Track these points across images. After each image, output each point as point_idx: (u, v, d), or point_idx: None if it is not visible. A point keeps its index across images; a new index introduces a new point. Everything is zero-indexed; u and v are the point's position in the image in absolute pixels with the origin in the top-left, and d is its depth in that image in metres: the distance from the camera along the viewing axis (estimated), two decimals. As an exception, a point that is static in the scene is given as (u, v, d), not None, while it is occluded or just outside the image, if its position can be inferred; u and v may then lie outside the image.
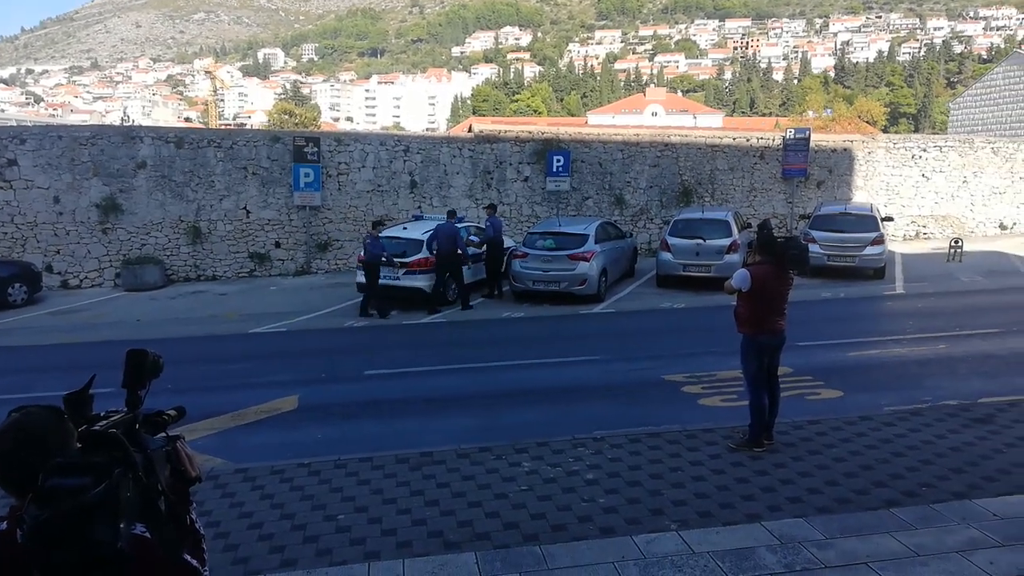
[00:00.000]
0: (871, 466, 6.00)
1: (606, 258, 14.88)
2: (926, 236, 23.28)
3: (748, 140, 22.64)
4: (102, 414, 1.90)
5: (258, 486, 5.98)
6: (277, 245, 19.29)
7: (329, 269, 19.48)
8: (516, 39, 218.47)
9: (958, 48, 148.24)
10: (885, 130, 67.01)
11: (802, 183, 22.28)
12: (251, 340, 12.57)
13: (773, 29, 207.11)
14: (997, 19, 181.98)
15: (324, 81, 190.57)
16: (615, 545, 4.82)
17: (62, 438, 1.77)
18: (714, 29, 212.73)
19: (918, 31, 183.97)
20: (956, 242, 18.65)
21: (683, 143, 22.03)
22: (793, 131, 22.79)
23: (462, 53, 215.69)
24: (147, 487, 1.75)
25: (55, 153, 17.73)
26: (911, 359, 9.87)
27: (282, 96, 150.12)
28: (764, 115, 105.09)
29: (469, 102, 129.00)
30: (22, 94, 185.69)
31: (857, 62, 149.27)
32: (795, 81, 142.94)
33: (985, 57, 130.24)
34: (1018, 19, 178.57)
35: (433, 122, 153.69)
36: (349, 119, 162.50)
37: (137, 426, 1.93)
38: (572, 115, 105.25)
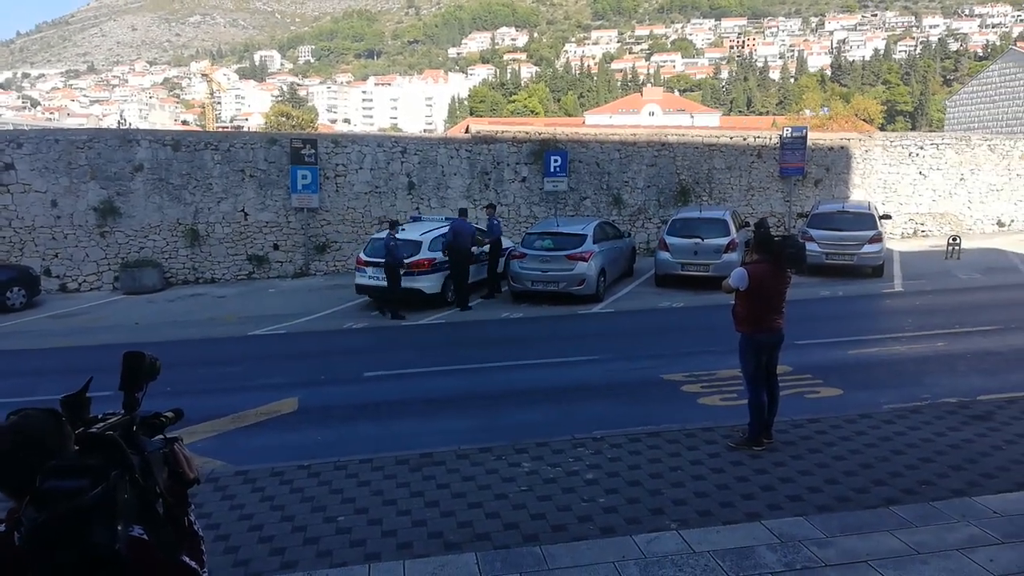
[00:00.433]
0: (871, 464, 6.00)
1: (604, 258, 14.88)
2: (924, 234, 23.30)
3: (745, 139, 22.66)
4: (100, 416, 1.89)
5: (258, 488, 5.97)
6: (275, 247, 19.28)
7: (328, 271, 19.47)
8: (512, 40, 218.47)
9: (954, 46, 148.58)
10: (882, 128, 67.12)
11: (800, 181, 22.30)
12: (250, 342, 12.56)
13: (769, 28, 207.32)
14: (992, 16, 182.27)
15: (321, 83, 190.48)
16: (615, 545, 4.81)
17: (60, 440, 1.77)
18: (710, 28, 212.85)
19: (914, 29, 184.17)
20: (954, 239, 18.67)
21: (680, 142, 22.04)
22: (790, 129, 22.80)
23: (459, 54, 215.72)
24: (145, 489, 1.75)
25: (52, 157, 17.71)
26: (910, 357, 9.88)
27: (279, 98, 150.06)
28: (761, 114, 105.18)
29: (466, 103, 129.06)
30: (18, 98, 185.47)
31: (853, 60, 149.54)
32: (791, 80, 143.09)
33: (981, 54, 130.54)
34: (1013, 16, 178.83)
35: (430, 123, 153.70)
36: (346, 121, 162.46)
37: (135, 428, 1.92)
38: (569, 115, 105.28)
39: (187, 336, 12.92)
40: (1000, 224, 24.07)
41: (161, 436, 2.01)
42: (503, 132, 21.78)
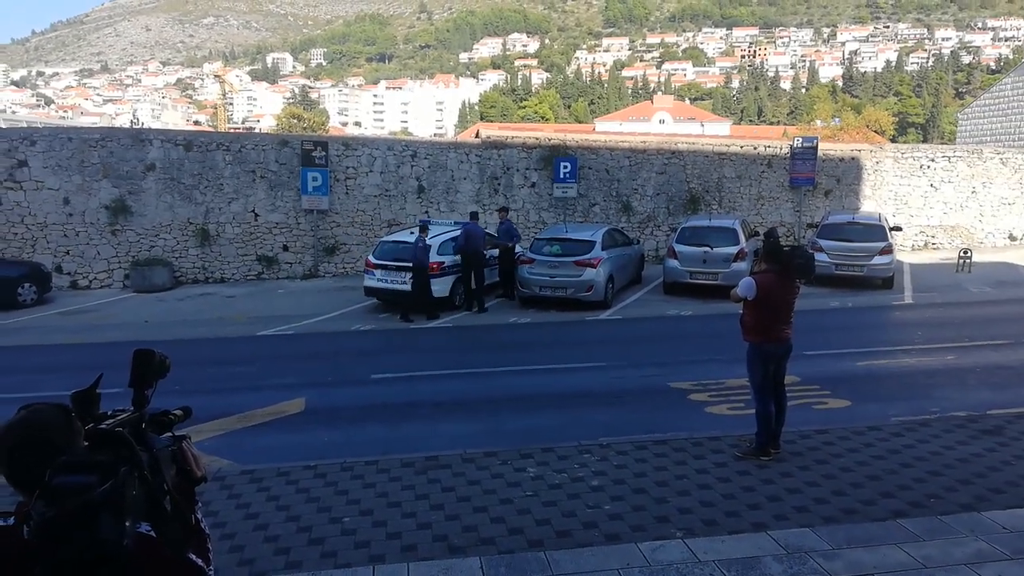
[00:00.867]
0: (878, 477, 5.96)
1: (613, 264, 14.86)
2: (935, 246, 23.19)
3: (755, 148, 22.61)
4: (109, 412, 1.90)
5: (264, 488, 5.98)
6: (285, 248, 19.34)
7: (336, 273, 19.51)
8: (524, 46, 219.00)
9: (966, 58, 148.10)
10: (893, 140, 66.87)
11: (810, 192, 22.23)
12: (258, 342, 12.59)
13: (781, 38, 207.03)
14: (1006, 30, 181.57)
15: (332, 86, 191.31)
16: (620, 552, 4.80)
17: (69, 436, 1.78)
18: (721, 37, 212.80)
19: (926, 41, 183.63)
20: (965, 252, 18.57)
21: (690, 151, 22.01)
22: (801, 140, 22.74)
23: (470, 59, 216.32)
24: (153, 486, 1.75)
25: (65, 155, 17.83)
26: (919, 369, 9.82)
27: (291, 100, 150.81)
28: (772, 124, 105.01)
29: (477, 108, 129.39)
30: (33, 96, 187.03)
31: (865, 72, 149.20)
32: (803, 90, 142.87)
33: (994, 68, 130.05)
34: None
35: (441, 127, 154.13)
36: (357, 124, 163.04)
37: (143, 425, 1.93)
38: (580, 122, 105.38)
39: (196, 335, 12.97)
40: (1012, 238, 23.93)
41: (170, 434, 2.02)
42: (513, 137, 21.81)
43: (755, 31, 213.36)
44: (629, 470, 6.18)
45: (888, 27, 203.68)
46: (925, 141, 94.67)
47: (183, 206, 18.62)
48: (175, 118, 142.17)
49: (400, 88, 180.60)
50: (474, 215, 15.64)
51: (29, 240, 17.73)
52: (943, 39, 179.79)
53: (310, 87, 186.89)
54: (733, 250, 15.13)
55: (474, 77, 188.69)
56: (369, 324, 13.71)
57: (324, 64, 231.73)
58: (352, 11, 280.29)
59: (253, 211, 19.08)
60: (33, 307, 15.77)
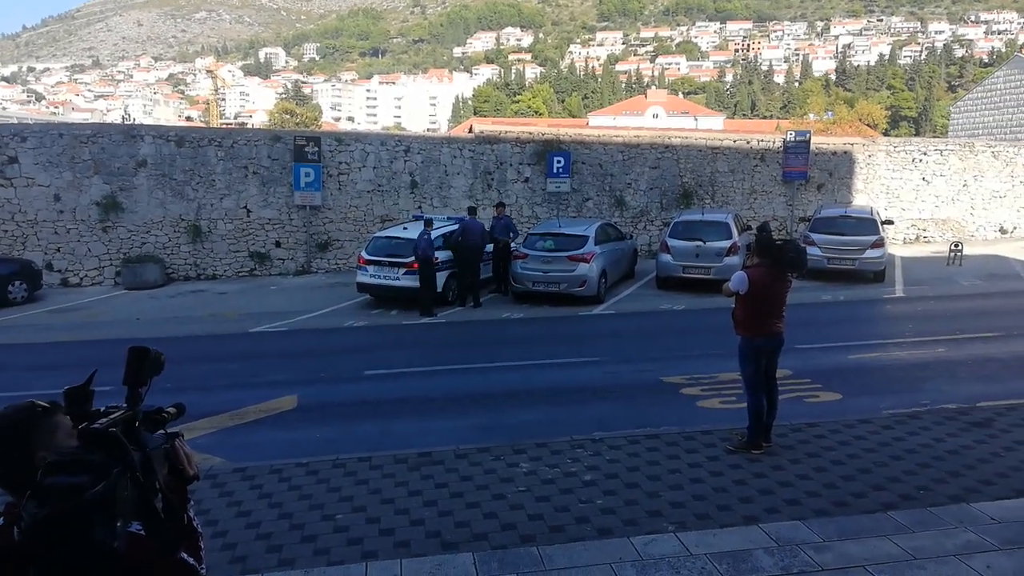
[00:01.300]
0: (869, 469, 6.01)
1: (606, 259, 14.88)
2: (926, 239, 23.28)
3: (749, 142, 22.64)
4: (102, 410, 1.90)
5: (256, 485, 5.98)
6: (277, 244, 19.30)
7: (329, 269, 19.48)
8: (517, 40, 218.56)
9: (959, 52, 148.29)
10: (886, 133, 67.04)
11: (802, 186, 22.29)
12: (251, 339, 12.57)
13: (774, 31, 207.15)
14: (998, 23, 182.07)
15: (325, 81, 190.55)
16: (612, 546, 4.82)
17: (46, 432, 1.78)
18: (715, 31, 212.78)
19: (919, 34, 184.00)
20: (956, 246, 18.65)
21: (684, 145, 22.03)
22: (794, 133, 22.79)
23: (463, 54, 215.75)
24: (144, 486, 1.75)
25: (56, 151, 17.74)
26: (910, 362, 9.88)
27: (283, 96, 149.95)
28: (765, 117, 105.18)
29: (470, 103, 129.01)
30: (23, 92, 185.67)
31: (858, 65, 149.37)
32: (796, 84, 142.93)
33: (986, 61, 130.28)
34: (1019, 23, 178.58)
35: (434, 122, 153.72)
36: (350, 119, 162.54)
37: (137, 423, 1.93)
38: (573, 116, 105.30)
39: (188, 332, 12.94)
40: (1003, 231, 24.05)
41: (163, 431, 2.02)
42: (506, 132, 21.79)
43: (749, 25, 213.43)
44: (622, 464, 6.20)
45: (881, 20, 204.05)
46: (917, 134, 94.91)
47: (175, 202, 18.55)
48: (167, 114, 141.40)
49: (393, 83, 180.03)
50: (472, 210, 15.68)
51: (19, 237, 17.64)
52: (936, 32, 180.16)
53: (303, 82, 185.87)
54: (726, 244, 15.16)
55: (467, 71, 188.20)
56: (362, 320, 13.70)
57: (317, 59, 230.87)
58: (345, 6, 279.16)
59: (245, 207, 19.02)
60: (23, 305, 15.70)
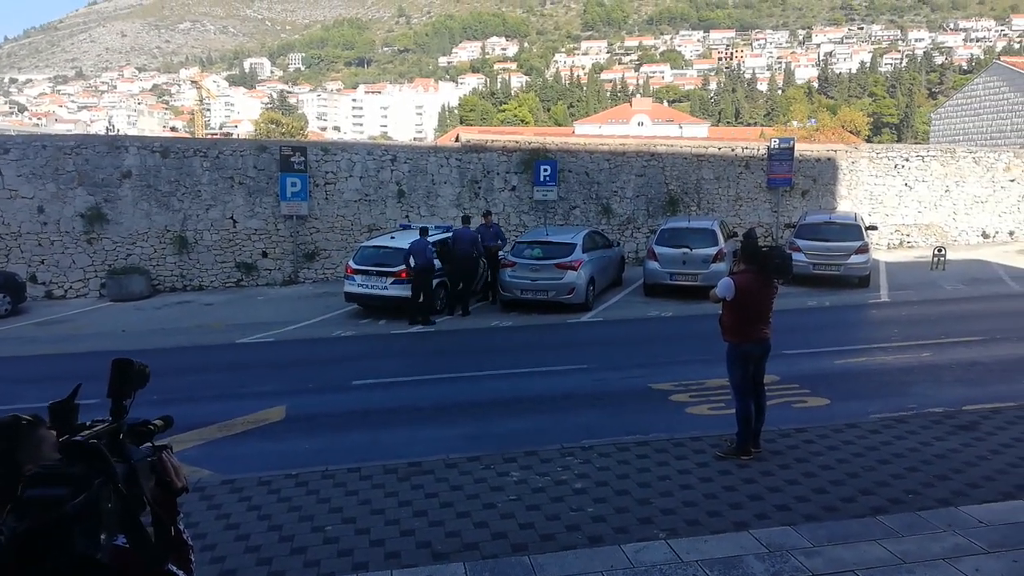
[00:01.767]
0: (858, 474, 6.03)
1: (594, 267, 14.92)
2: (910, 245, 23.50)
3: (733, 150, 22.81)
4: (87, 424, 1.88)
5: (245, 497, 5.93)
6: (264, 255, 19.21)
7: (317, 279, 19.41)
8: (503, 49, 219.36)
9: (939, 59, 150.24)
10: (868, 140, 67.68)
11: (787, 192, 22.45)
12: (238, 350, 12.49)
13: (757, 40, 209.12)
14: (976, 31, 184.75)
15: (311, 91, 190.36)
16: (604, 554, 4.82)
17: (30, 445, 1.76)
18: (699, 40, 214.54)
19: (899, 42, 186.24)
20: (939, 251, 18.84)
21: (669, 153, 22.16)
22: (778, 141, 22.97)
23: (449, 63, 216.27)
24: (130, 498, 1.73)
25: (39, 163, 17.59)
26: (896, 367, 9.95)
27: (269, 106, 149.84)
28: (749, 125, 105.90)
29: (456, 112, 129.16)
30: (5, 103, 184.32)
31: (840, 73, 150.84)
32: (779, 91, 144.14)
33: (965, 68, 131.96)
34: (997, 31, 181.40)
35: (420, 132, 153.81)
36: (336, 129, 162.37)
37: (122, 436, 1.91)
38: (559, 125, 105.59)
39: (174, 344, 12.84)
40: (985, 235, 24.32)
41: (149, 444, 2.00)
42: (493, 141, 21.83)
43: (732, 33, 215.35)
44: (612, 472, 6.20)
45: (862, 28, 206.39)
46: (899, 141, 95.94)
47: (160, 213, 18.44)
48: (152, 124, 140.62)
49: (379, 92, 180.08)
50: (466, 219, 15.71)
51: (2, 250, 17.46)
52: (916, 40, 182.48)
53: (288, 92, 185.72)
54: (712, 251, 15.25)
55: (453, 81, 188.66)
56: (350, 330, 13.65)
57: (302, 69, 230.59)
58: (330, 15, 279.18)
59: (231, 217, 18.93)
60: (7, 318, 15.53)
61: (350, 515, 5.55)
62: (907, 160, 23.77)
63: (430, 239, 14.12)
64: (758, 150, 22.76)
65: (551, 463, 6.43)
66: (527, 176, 20.71)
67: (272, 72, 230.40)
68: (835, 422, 7.36)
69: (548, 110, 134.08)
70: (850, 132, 51.98)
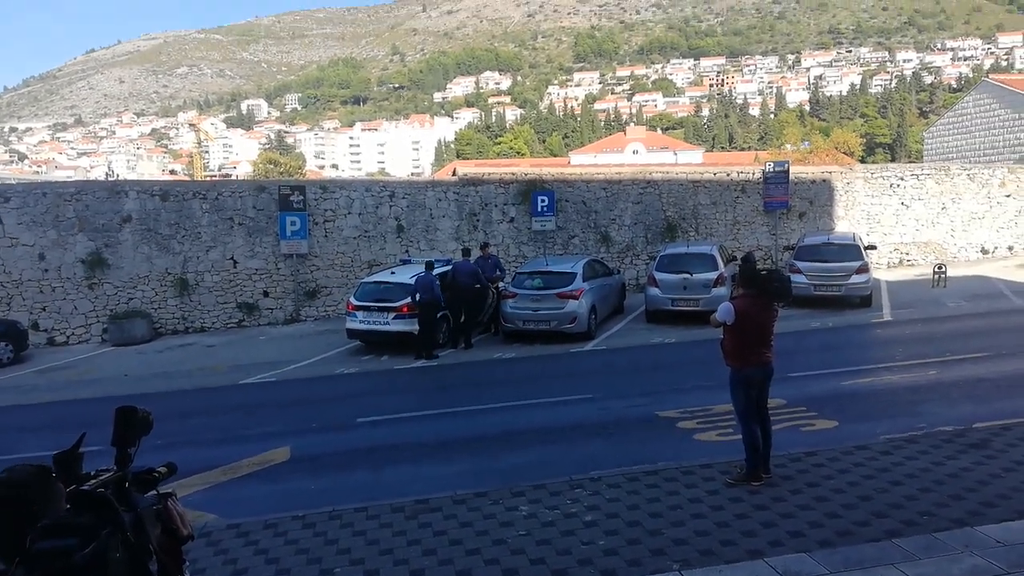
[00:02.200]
0: (870, 496, 5.96)
1: (595, 295, 14.92)
2: (909, 263, 23.53)
3: (729, 174, 22.94)
4: (92, 473, 1.87)
5: (252, 541, 5.86)
6: (265, 294, 19.22)
7: (318, 316, 19.40)
8: (496, 83, 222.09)
9: (928, 79, 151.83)
10: (862, 160, 68.17)
11: (784, 215, 22.54)
12: (241, 391, 12.43)
13: (747, 66, 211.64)
14: (964, 50, 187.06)
15: (308, 130, 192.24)
16: (617, 588, 4.73)
17: (48, 498, 1.74)
18: (689, 68, 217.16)
19: (888, 63, 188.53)
20: (940, 268, 18.85)
21: (665, 179, 22.29)
22: (772, 164, 23.12)
23: (444, 99, 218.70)
24: (136, 547, 1.71)
25: (40, 210, 17.70)
26: (903, 386, 9.88)
27: (266, 146, 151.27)
28: (743, 149, 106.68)
29: (452, 146, 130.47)
30: (5, 152, 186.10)
31: (831, 95, 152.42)
32: (771, 115, 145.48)
33: (955, 86, 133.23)
34: (984, 49, 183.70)
35: (418, 167, 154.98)
36: (334, 166, 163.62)
37: (127, 485, 1.89)
38: (554, 155, 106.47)
39: (177, 387, 12.78)
40: (984, 251, 24.35)
41: (154, 492, 1.98)
42: (490, 174, 21.98)
43: (722, 60, 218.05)
44: (622, 503, 6.13)
45: (850, 51, 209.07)
46: (893, 160, 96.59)
47: (161, 256, 18.49)
48: (151, 168, 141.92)
49: (376, 129, 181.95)
50: (466, 251, 15.76)
51: (4, 298, 17.49)
52: (904, 61, 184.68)
53: (286, 132, 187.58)
54: (712, 276, 15.25)
55: (449, 116, 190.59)
56: (353, 367, 13.60)
57: (299, 109, 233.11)
58: (325, 55, 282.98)
59: (232, 258, 18.98)
60: (9, 366, 15.49)
61: (358, 556, 5.47)
62: (902, 179, 23.90)
63: (411, 275, 14.18)
64: (753, 174, 22.90)
65: (560, 496, 6.35)
66: (525, 207, 20.82)
67: (269, 113, 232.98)
68: (844, 444, 7.29)
69: (543, 141, 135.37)
70: (844, 153, 52.35)
